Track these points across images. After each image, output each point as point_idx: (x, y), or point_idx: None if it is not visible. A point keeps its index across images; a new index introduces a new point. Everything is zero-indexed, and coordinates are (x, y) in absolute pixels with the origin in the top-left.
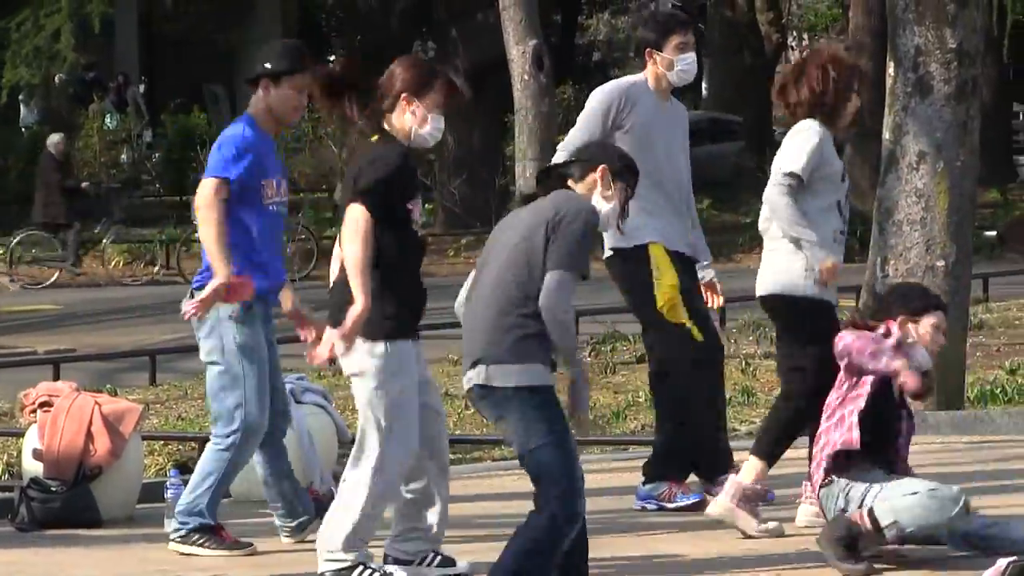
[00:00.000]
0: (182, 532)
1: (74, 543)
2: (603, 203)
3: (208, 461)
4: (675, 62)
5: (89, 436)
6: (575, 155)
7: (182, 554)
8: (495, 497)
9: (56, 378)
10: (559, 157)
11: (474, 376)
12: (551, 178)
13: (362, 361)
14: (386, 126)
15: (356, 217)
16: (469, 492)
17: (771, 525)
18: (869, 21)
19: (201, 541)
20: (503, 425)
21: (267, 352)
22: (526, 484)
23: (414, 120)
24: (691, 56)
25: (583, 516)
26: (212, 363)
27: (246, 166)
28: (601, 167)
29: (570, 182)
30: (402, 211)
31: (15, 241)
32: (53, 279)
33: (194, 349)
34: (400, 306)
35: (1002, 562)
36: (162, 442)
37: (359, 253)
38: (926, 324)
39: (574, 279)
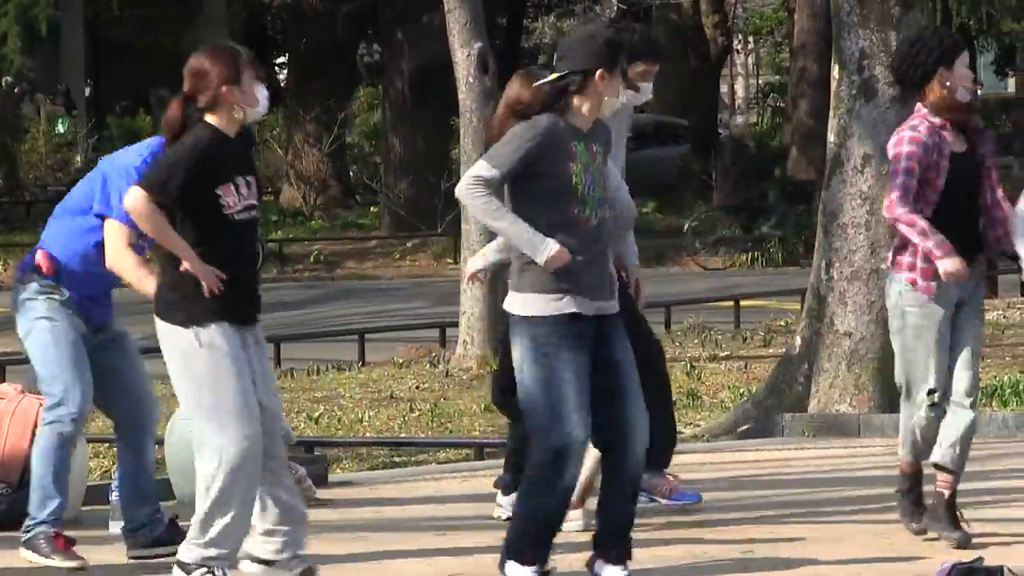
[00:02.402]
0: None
1: (18, 545)
2: (616, 101)
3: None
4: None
5: (34, 438)
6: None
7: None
8: (439, 500)
9: (2, 381)
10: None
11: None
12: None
13: (168, 346)
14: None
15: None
16: (415, 495)
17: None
18: (814, 24)
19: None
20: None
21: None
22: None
23: (244, 105)
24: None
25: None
26: None
27: None
28: (599, 71)
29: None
30: (209, 195)
31: None
32: None
33: (145, 351)
34: (198, 289)
35: (946, 565)
36: (107, 445)
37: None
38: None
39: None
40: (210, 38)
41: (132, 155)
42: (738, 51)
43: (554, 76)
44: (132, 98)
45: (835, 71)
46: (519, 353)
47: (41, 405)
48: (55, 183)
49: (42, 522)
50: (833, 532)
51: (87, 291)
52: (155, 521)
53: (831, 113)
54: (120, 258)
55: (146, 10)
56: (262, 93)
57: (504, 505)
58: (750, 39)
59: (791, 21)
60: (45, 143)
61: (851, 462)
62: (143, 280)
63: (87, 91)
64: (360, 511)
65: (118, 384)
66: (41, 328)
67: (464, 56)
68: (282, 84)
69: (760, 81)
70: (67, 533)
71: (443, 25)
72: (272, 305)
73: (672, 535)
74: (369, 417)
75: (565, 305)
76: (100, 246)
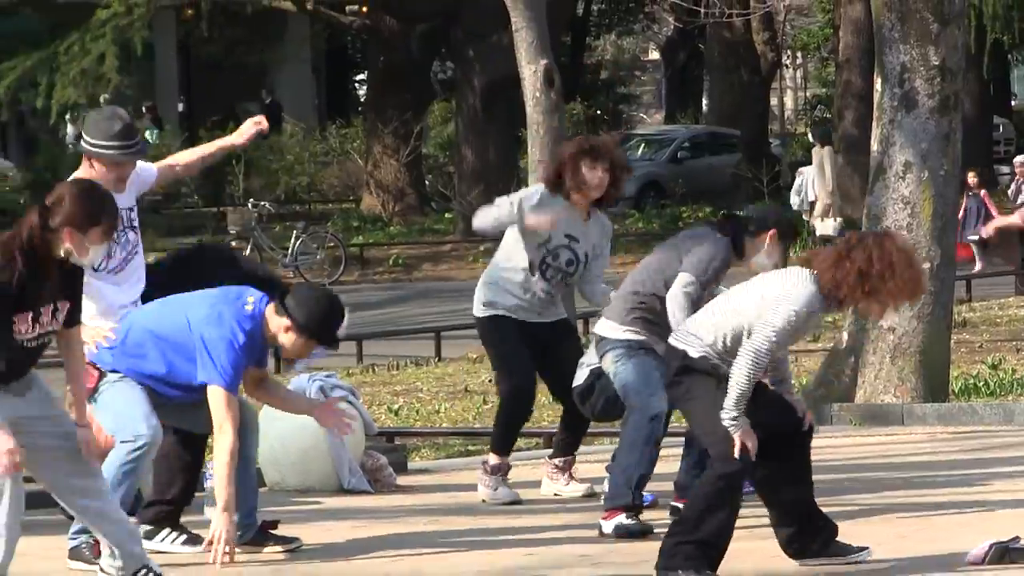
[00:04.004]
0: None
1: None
2: (765, 258)
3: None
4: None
5: None
6: (756, 217)
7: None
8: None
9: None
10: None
11: None
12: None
13: None
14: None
15: None
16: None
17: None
18: (858, 40)
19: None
20: None
21: None
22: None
23: (73, 251)
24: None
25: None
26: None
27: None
28: (771, 232)
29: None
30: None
31: None
32: None
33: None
34: None
35: (984, 544)
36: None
37: None
38: None
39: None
40: (293, 57)
41: (232, 325)
42: (787, 66)
43: None
44: (222, 113)
45: (878, 84)
46: None
47: None
48: (149, 194)
49: (83, 530)
50: (878, 513)
51: None
52: (247, 526)
53: (874, 123)
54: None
55: (234, 31)
56: (96, 253)
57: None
58: (798, 54)
59: (836, 37)
60: None
61: (895, 449)
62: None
63: (180, 107)
64: (437, 496)
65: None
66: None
67: (531, 72)
68: (362, 100)
69: (808, 93)
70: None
71: (511, 43)
72: (354, 306)
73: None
74: (445, 409)
75: None
76: None
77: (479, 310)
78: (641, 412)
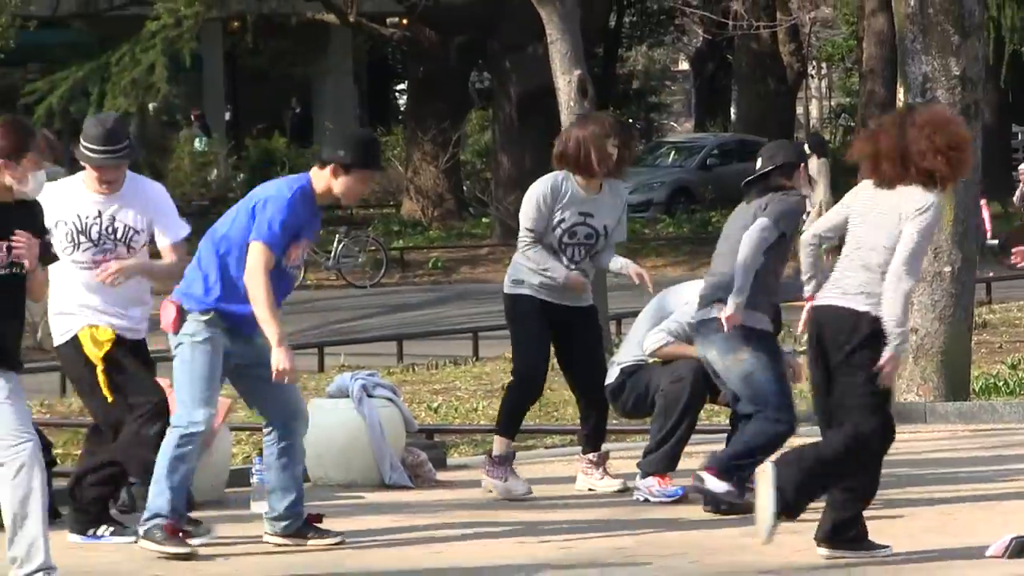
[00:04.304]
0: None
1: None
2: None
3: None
4: None
5: None
6: (778, 162)
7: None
8: (547, 482)
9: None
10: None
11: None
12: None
13: None
14: None
15: None
16: (524, 477)
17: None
18: (881, 51)
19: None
20: None
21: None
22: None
23: (14, 181)
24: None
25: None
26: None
27: (288, 237)
28: (802, 166)
29: (784, 181)
30: None
31: None
32: None
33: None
34: None
35: (1006, 538)
36: (248, 432)
37: None
38: None
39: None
40: (336, 68)
41: (283, 186)
42: (812, 76)
43: None
44: (267, 121)
45: (900, 93)
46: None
47: None
48: (198, 198)
49: (156, 515)
50: (902, 508)
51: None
52: (294, 515)
53: None
54: (254, 276)
55: (279, 43)
56: (37, 179)
57: (641, 488)
58: (823, 65)
59: (860, 49)
60: (190, 162)
61: (918, 446)
62: (267, 308)
63: (227, 115)
64: (475, 492)
65: (268, 387)
66: (184, 344)
67: (565, 82)
68: (402, 109)
69: (832, 103)
70: (213, 512)
71: (546, 55)
72: (395, 307)
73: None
74: (483, 407)
75: None
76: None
77: (508, 287)
78: (773, 426)
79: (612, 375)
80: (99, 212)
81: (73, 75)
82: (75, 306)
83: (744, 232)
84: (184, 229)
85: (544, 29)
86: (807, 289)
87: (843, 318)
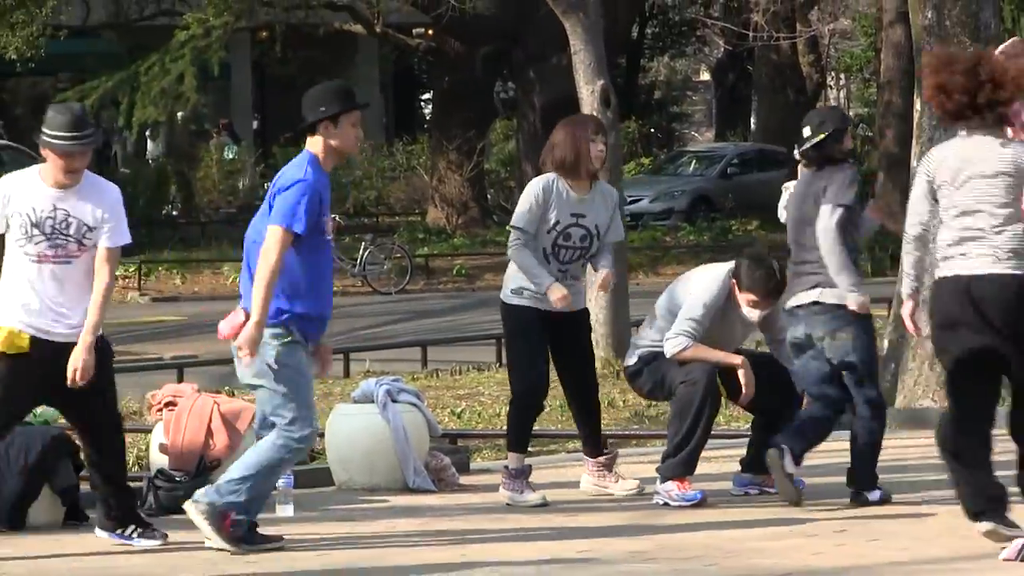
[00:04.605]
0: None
1: (195, 527)
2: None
3: (263, 451)
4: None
5: (209, 432)
6: (828, 130)
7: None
8: (569, 485)
9: (180, 381)
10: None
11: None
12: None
13: None
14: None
15: None
16: (546, 481)
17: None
18: (898, 62)
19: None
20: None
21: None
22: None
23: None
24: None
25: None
26: (259, 386)
27: (314, 213)
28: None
29: (836, 148)
30: None
31: None
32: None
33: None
34: None
35: (1019, 542)
36: None
37: None
38: None
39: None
40: (363, 78)
41: (294, 169)
42: (831, 86)
43: None
44: (294, 130)
45: (917, 104)
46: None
47: (216, 403)
48: (226, 206)
49: (231, 509)
50: (918, 510)
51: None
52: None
53: (914, 141)
54: (268, 256)
55: (307, 53)
56: None
57: (661, 492)
58: (842, 76)
59: (878, 60)
60: (218, 170)
61: (933, 451)
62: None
63: (255, 124)
64: (497, 496)
65: None
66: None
67: (589, 92)
68: (427, 118)
69: (851, 113)
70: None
71: (570, 65)
72: (420, 313)
73: (775, 513)
74: (505, 412)
75: None
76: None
77: (505, 295)
78: (832, 409)
79: (631, 358)
80: (54, 206)
81: (103, 84)
82: (14, 301)
83: (806, 206)
84: (127, 238)
85: (568, 40)
86: (908, 288)
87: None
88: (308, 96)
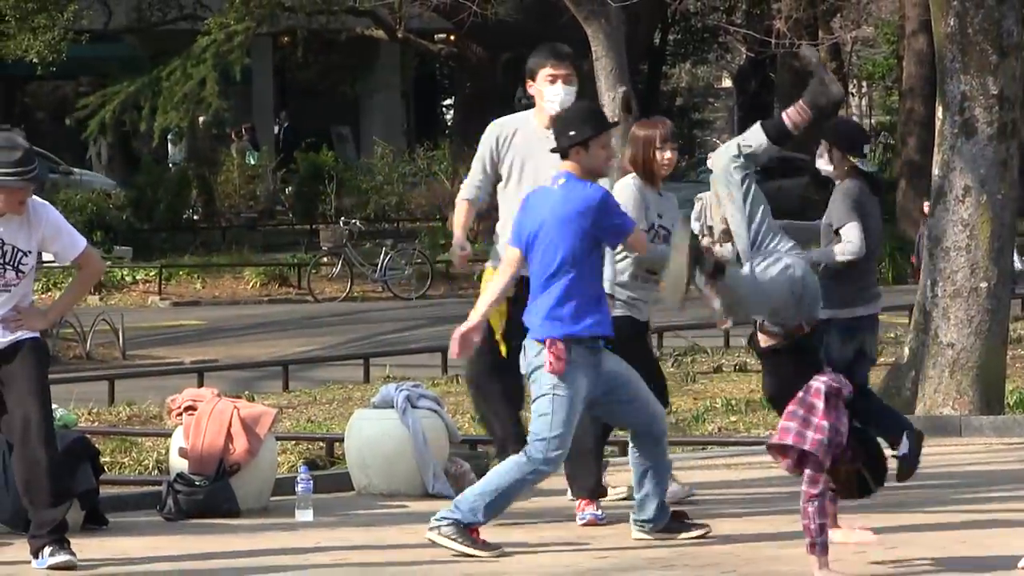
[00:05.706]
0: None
1: (215, 531)
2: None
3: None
4: (544, 93)
5: (229, 436)
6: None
7: (433, 542)
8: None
9: (200, 385)
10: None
11: None
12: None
13: None
14: None
15: None
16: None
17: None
18: (920, 70)
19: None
20: None
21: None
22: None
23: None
24: (558, 88)
25: None
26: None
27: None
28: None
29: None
30: None
31: None
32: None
33: (320, 360)
34: None
35: None
36: (293, 442)
37: None
38: None
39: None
40: (384, 83)
41: (596, 190)
42: (853, 94)
43: None
44: (316, 135)
45: (939, 112)
46: None
47: (236, 408)
48: (247, 211)
49: (469, 519)
50: (938, 517)
51: None
52: (661, 514)
53: (936, 149)
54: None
55: (328, 58)
56: None
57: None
58: (864, 84)
59: (900, 68)
60: (239, 175)
61: (953, 459)
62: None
63: (276, 129)
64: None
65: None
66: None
67: (610, 99)
68: (448, 123)
69: (873, 121)
70: (257, 520)
71: (591, 71)
72: (440, 319)
73: (793, 521)
74: (525, 418)
75: None
76: None
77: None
78: None
79: None
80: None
81: (125, 89)
82: None
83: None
84: (81, 240)
85: (590, 46)
86: None
87: None
88: (560, 119)
